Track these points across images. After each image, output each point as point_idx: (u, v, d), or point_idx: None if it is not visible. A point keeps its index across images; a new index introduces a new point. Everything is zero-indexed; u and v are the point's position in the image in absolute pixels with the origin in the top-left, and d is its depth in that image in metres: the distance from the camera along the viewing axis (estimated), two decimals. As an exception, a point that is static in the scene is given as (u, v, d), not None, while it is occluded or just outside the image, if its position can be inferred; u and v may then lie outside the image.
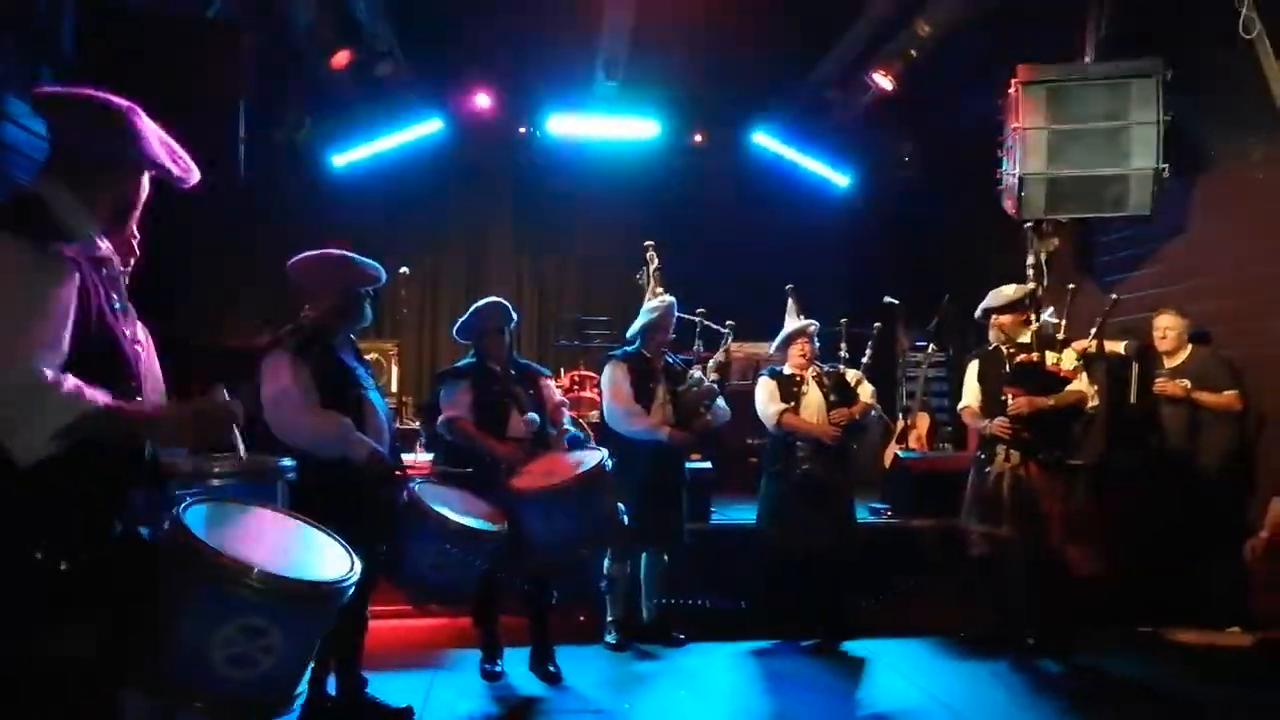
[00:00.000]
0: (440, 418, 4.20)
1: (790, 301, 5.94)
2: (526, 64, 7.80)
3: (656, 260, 6.28)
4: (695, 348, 6.51)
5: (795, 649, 4.91)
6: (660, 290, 6.06)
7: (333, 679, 3.62)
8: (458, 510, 3.51)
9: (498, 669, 4.29)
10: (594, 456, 3.98)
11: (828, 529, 4.83)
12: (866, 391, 5.10)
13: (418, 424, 6.61)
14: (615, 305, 7.74)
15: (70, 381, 1.75)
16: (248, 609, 1.93)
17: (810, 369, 5.04)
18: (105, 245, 1.95)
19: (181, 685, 1.92)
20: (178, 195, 5.00)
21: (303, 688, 2.13)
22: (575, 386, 6.97)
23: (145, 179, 2.05)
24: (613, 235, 6.84)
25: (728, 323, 6.28)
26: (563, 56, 7.59)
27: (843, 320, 6.51)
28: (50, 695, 1.73)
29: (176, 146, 2.07)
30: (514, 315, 4.36)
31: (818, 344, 5.15)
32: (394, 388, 7.30)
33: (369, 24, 6.74)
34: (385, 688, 3.82)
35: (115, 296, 1.94)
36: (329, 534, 2.34)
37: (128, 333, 1.97)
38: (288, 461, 3.11)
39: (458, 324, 4.40)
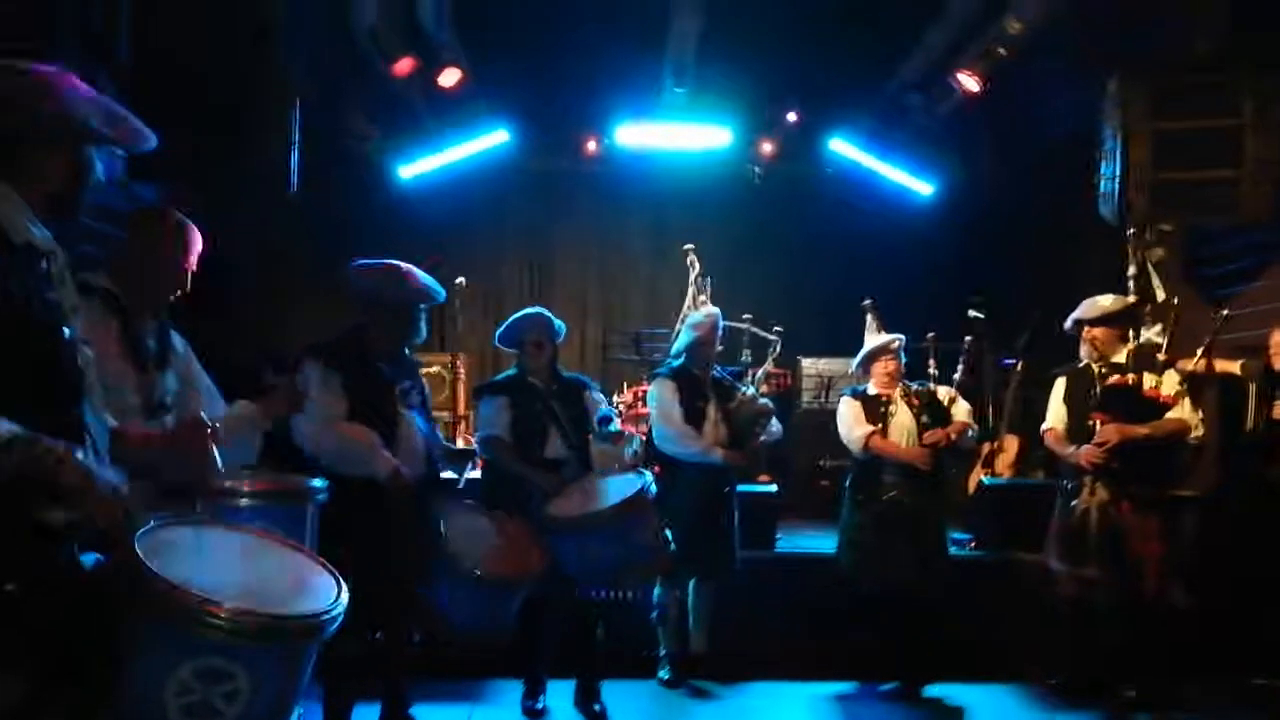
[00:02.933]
0: (478, 435, 3.98)
1: (869, 318, 5.58)
2: (594, 72, 7.61)
3: (699, 266, 5.96)
4: (743, 358, 6.17)
5: (872, 693, 4.53)
6: (703, 299, 5.76)
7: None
8: (488, 541, 3.26)
9: (539, 705, 4.03)
10: (634, 483, 3.65)
11: (914, 563, 4.44)
12: (962, 410, 4.70)
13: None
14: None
15: None
16: (203, 649, 1.66)
17: (897, 388, 4.66)
18: (41, 235, 1.71)
19: None
20: (233, 205, 4.91)
21: None
22: (639, 403, 6.68)
23: (87, 152, 1.82)
24: (680, 247, 6.64)
25: (775, 329, 5.91)
26: (631, 63, 7.36)
27: (930, 335, 6.11)
28: None
29: (119, 110, 1.84)
30: (557, 326, 4.12)
31: (904, 360, 4.77)
32: (457, 403, 7.13)
33: (434, 30, 6.62)
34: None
35: (57, 294, 1.70)
36: (316, 560, 2.07)
37: (69, 332, 1.72)
38: (319, 482, 2.94)
39: (498, 332, 4.17)
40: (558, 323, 4.14)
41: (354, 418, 3.27)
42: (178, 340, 2.67)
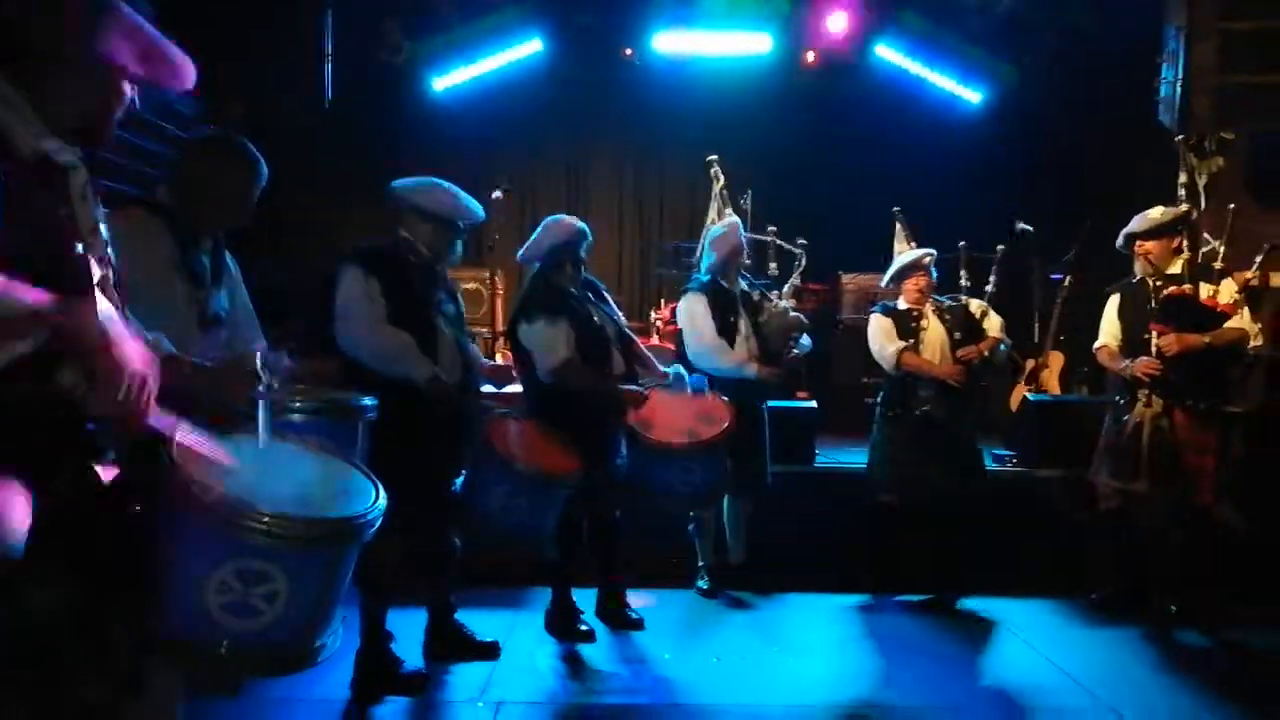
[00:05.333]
0: (550, 365, 3.74)
1: (898, 226, 5.44)
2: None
3: (722, 179, 5.82)
4: (770, 270, 6.06)
5: (904, 606, 4.55)
6: (728, 211, 5.64)
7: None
8: (525, 440, 3.31)
9: (582, 614, 4.09)
10: (726, 407, 3.69)
11: (946, 476, 4.43)
12: (994, 324, 4.63)
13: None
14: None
15: None
16: (243, 551, 1.68)
17: (929, 303, 4.59)
18: (58, 151, 1.65)
19: (187, 640, 1.72)
20: (265, 117, 4.85)
21: (327, 639, 1.88)
22: (675, 319, 6.61)
23: (119, 86, 1.74)
24: (720, 158, 6.48)
25: (799, 241, 5.76)
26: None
27: (961, 244, 5.92)
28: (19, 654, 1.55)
29: (162, 45, 1.75)
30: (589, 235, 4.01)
31: (935, 274, 4.68)
32: (495, 319, 7.14)
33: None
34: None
35: (72, 210, 1.65)
36: (353, 464, 2.09)
37: (80, 248, 1.66)
38: (369, 400, 2.98)
39: (532, 246, 3.94)
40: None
41: (393, 323, 3.27)
42: (230, 261, 2.67)
